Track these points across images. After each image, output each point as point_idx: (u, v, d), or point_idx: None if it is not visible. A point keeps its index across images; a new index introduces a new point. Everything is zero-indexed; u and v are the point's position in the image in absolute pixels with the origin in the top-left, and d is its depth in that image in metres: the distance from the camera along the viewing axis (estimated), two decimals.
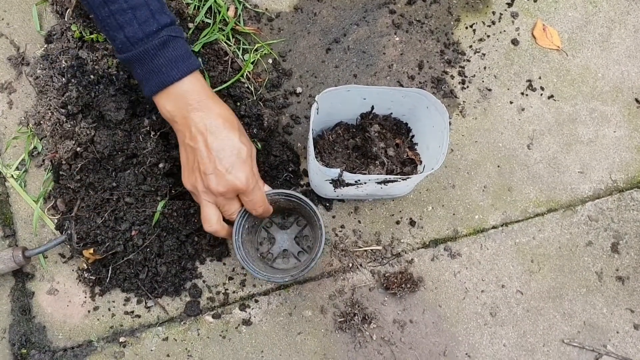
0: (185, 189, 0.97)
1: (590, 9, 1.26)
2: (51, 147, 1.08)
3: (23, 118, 1.15)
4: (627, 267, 1.14)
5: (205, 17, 1.15)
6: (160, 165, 1.04)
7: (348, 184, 0.97)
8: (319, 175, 0.99)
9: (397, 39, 1.22)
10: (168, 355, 1.07)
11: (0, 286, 1.09)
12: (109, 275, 1.06)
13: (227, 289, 1.10)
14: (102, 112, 1.05)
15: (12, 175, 1.13)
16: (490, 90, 1.21)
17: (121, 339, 1.08)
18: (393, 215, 1.14)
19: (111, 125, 1.05)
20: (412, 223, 1.14)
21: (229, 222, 0.99)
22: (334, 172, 0.94)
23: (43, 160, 1.13)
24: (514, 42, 1.24)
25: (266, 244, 1.11)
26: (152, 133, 1.04)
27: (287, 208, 1.09)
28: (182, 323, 1.08)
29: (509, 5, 1.26)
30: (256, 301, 1.09)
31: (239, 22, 1.19)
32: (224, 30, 1.16)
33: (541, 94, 1.22)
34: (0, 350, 1.07)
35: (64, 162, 1.05)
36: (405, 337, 1.09)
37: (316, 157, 1.06)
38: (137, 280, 1.07)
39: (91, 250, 1.05)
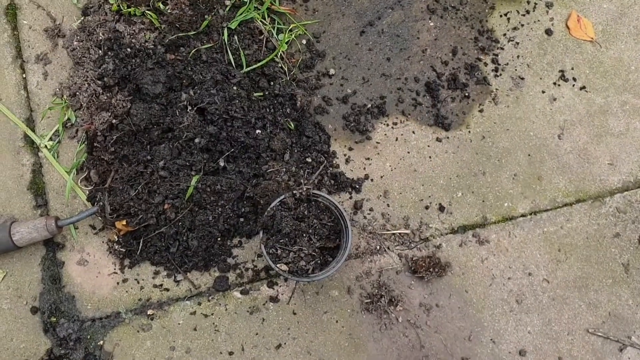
0: (220, 165, 0.96)
1: (625, 1, 1.26)
2: (86, 118, 1.09)
3: (58, 89, 1.15)
4: None
5: None
6: (196, 140, 1.04)
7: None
8: None
9: (432, 24, 1.22)
10: (195, 329, 1.08)
11: (31, 255, 1.10)
12: (139, 248, 1.07)
13: (255, 266, 1.11)
14: (139, 85, 1.05)
15: (46, 146, 1.14)
16: (522, 79, 1.21)
17: (149, 312, 1.09)
18: (422, 200, 1.15)
19: (147, 98, 1.05)
20: (441, 208, 1.14)
21: None
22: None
23: (76, 131, 1.13)
24: (548, 32, 1.24)
25: None
26: (189, 108, 1.05)
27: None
28: (210, 298, 1.09)
29: None
30: (285, 279, 1.10)
31: (275, 1, 1.19)
32: (259, 10, 1.16)
33: (573, 85, 1.22)
34: (31, 318, 1.08)
35: (99, 133, 1.06)
36: (431, 321, 1.10)
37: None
38: (167, 253, 1.07)
39: (124, 222, 1.06)
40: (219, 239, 1.08)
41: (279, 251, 1.03)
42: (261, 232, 1.02)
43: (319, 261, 1.04)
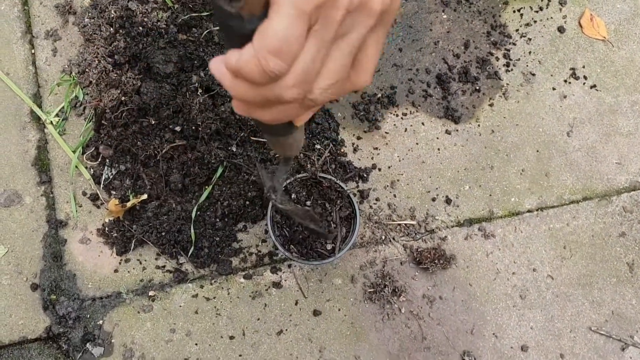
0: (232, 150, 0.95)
1: (639, 2, 1.26)
2: (95, 95, 1.08)
3: (67, 66, 1.14)
4: None
5: None
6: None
7: None
8: None
9: (445, 16, 1.21)
10: (196, 312, 1.07)
11: (33, 231, 1.09)
12: (135, 230, 1.06)
13: (260, 251, 1.10)
14: (150, 64, 1.05)
15: (51, 122, 1.13)
16: (534, 75, 1.21)
17: (150, 293, 1.08)
18: (429, 191, 1.14)
19: (158, 77, 1.05)
20: (447, 201, 1.14)
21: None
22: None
23: (84, 109, 1.13)
24: (560, 29, 1.24)
25: None
26: (200, 91, 1.04)
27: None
28: (213, 281, 1.08)
29: None
30: (289, 266, 1.09)
31: None
32: None
33: (584, 83, 1.22)
34: (30, 295, 1.07)
35: (107, 110, 1.05)
36: (434, 313, 1.09)
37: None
38: (171, 235, 1.06)
39: (116, 201, 1.05)
40: (224, 224, 1.08)
41: (284, 233, 1.03)
42: (268, 214, 1.01)
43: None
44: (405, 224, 1.13)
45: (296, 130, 0.57)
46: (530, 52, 1.22)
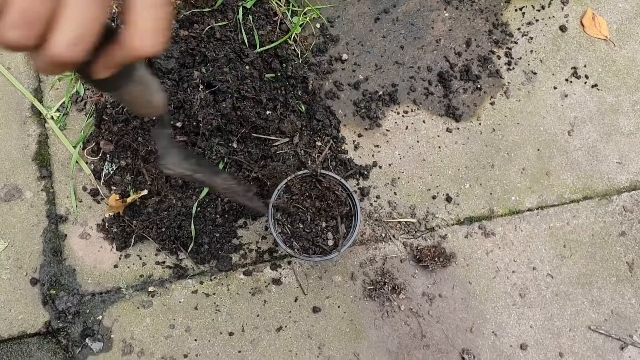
0: (233, 147, 0.95)
1: None
2: (96, 90, 1.07)
3: None
4: None
5: None
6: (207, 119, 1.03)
7: None
8: None
9: (447, 14, 1.21)
10: (196, 308, 1.07)
11: (33, 226, 1.09)
12: (136, 225, 1.06)
13: (259, 248, 1.10)
14: (151, 60, 1.04)
15: (52, 117, 1.12)
16: (535, 73, 1.21)
17: (150, 289, 1.08)
18: (430, 189, 1.14)
19: (160, 73, 1.04)
20: (448, 199, 1.14)
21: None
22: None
23: (85, 104, 1.12)
24: (562, 28, 1.24)
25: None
26: (201, 87, 1.04)
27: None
28: (212, 277, 1.08)
29: None
30: (289, 262, 1.09)
31: None
32: None
33: (585, 82, 1.21)
34: (30, 289, 1.07)
35: (108, 105, 1.05)
36: (434, 311, 1.09)
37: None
38: (172, 231, 1.06)
39: (117, 197, 1.05)
40: (224, 220, 1.08)
41: (285, 230, 1.03)
42: (269, 211, 1.01)
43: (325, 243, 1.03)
44: (406, 222, 1.13)
45: (127, 85, 0.51)
46: (531, 51, 1.22)
